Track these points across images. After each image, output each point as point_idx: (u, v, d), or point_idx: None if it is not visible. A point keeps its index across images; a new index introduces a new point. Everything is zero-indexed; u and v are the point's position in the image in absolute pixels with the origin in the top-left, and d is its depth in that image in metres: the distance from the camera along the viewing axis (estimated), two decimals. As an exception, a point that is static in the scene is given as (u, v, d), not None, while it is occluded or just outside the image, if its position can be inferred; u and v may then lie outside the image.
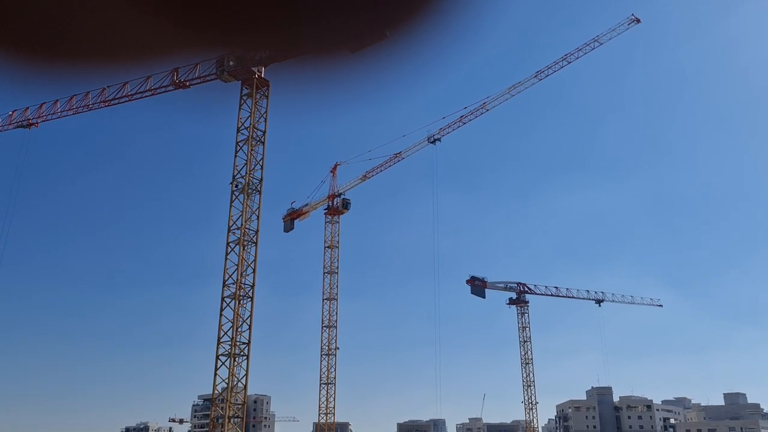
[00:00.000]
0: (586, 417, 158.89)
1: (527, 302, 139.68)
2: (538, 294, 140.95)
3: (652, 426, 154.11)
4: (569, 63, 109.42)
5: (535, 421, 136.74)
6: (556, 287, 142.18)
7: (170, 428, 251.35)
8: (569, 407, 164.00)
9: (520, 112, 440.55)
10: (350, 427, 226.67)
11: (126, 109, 74.48)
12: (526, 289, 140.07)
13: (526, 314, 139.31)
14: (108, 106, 72.44)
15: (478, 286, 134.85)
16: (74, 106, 74.76)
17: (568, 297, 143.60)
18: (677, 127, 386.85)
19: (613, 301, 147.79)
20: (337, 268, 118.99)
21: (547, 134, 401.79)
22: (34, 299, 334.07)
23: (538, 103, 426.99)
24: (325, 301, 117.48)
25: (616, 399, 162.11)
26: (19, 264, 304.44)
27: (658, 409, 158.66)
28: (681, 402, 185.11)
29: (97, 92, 72.18)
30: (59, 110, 76.38)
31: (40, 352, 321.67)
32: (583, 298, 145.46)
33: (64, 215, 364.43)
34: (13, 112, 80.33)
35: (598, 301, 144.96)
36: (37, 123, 79.46)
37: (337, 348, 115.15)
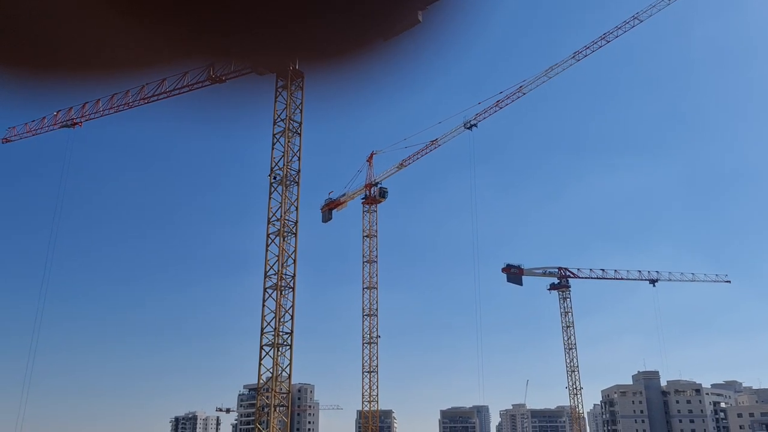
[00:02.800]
0: (633, 402, 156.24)
1: (569, 287, 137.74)
2: (581, 278, 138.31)
3: (701, 410, 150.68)
4: (608, 42, 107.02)
5: (580, 406, 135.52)
6: (603, 269, 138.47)
7: (217, 417, 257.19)
8: (615, 392, 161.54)
9: (555, 95, 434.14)
10: (394, 414, 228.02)
11: (163, 106, 75.84)
12: (569, 273, 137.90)
13: (568, 299, 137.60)
14: (147, 103, 73.76)
15: (514, 274, 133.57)
16: (115, 105, 76.45)
17: (617, 279, 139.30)
18: (713, 104, 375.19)
19: (670, 280, 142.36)
20: (376, 257, 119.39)
21: (582, 116, 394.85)
22: (82, 295, 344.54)
23: (572, 85, 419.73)
24: (365, 290, 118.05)
25: (663, 383, 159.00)
26: (69, 261, 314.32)
27: (707, 393, 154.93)
28: (731, 385, 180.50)
29: (136, 90, 73.67)
30: (101, 109, 78.23)
31: (91, 346, 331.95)
32: (635, 279, 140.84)
33: (108, 212, 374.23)
34: (57, 112, 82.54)
35: (653, 281, 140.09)
36: (81, 122, 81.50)
37: (378, 336, 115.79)
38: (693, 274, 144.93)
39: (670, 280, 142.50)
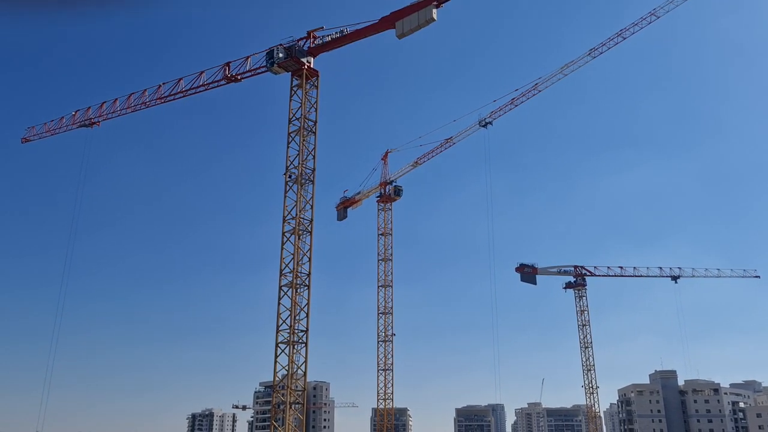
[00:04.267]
0: (650, 401, 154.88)
1: (585, 285, 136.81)
2: (598, 276, 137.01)
3: (720, 410, 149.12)
4: (624, 39, 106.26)
5: (596, 405, 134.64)
6: (621, 267, 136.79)
7: (233, 414, 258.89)
8: (632, 391, 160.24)
9: (570, 92, 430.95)
10: (409, 412, 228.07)
11: (180, 104, 76.51)
12: (586, 271, 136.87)
13: (584, 297, 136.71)
14: (164, 102, 74.36)
15: (528, 273, 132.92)
16: (132, 104, 77.09)
17: (637, 276, 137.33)
18: (730, 100, 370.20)
19: (693, 276, 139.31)
20: (391, 255, 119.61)
21: (597, 113, 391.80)
22: (100, 293, 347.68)
23: (587, 83, 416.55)
24: (380, 288, 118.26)
25: (680, 382, 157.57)
26: (87, 260, 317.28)
27: (726, 393, 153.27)
28: (750, 385, 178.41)
29: (153, 89, 74.31)
30: (118, 108, 78.90)
31: (109, 344, 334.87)
32: (655, 276, 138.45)
33: (125, 211, 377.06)
34: (76, 112, 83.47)
35: (674, 278, 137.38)
36: (99, 122, 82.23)
37: (393, 334, 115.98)
38: (718, 269, 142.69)
39: (693, 276, 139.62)
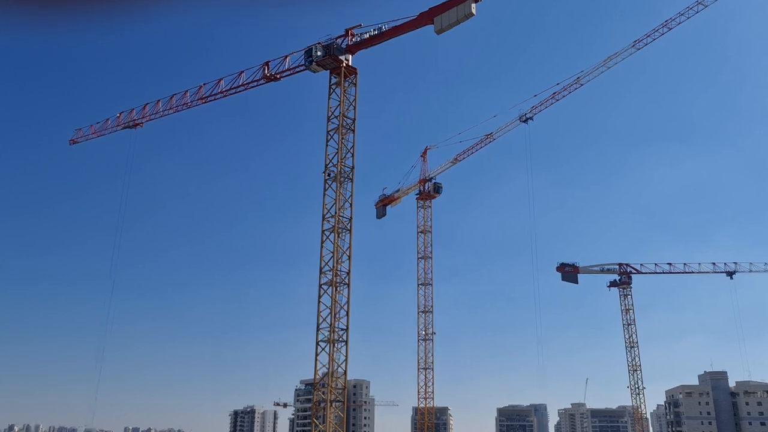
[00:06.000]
0: (699, 403, 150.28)
1: (630, 284, 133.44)
2: (644, 273, 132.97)
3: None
4: (670, 30, 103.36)
5: (642, 406, 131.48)
6: (670, 263, 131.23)
7: (275, 412, 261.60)
8: (680, 392, 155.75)
9: (612, 85, 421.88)
10: (449, 411, 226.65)
11: (219, 104, 77.36)
12: (631, 269, 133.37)
13: (629, 296, 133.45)
14: (205, 102, 75.25)
15: (569, 273, 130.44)
16: (174, 105, 78.21)
17: (687, 273, 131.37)
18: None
19: (750, 271, 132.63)
20: (431, 252, 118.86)
21: (640, 106, 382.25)
22: (146, 292, 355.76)
23: (630, 75, 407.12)
24: (420, 286, 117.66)
25: (731, 384, 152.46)
26: (133, 261, 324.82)
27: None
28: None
29: (194, 90, 75.25)
30: (161, 110, 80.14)
31: (155, 342, 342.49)
32: (708, 272, 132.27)
33: (169, 209, 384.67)
34: (120, 114, 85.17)
35: (730, 273, 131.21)
36: (142, 123, 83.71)
37: (434, 333, 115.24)
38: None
39: (750, 271, 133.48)
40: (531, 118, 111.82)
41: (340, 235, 62.77)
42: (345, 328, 60.85)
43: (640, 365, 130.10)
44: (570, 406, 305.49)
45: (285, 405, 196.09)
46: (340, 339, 60.52)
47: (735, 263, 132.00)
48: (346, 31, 65.94)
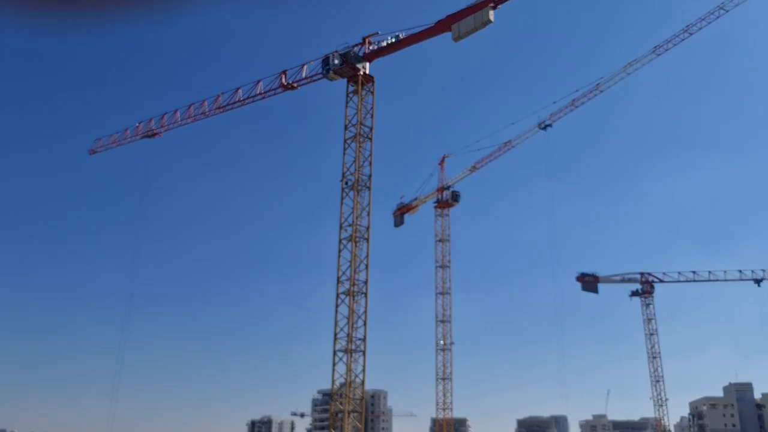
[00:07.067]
0: (724, 415, 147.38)
1: (652, 293, 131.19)
2: (667, 282, 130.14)
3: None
4: (691, 35, 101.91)
5: (665, 419, 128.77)
6: (694, 272, 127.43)
7: (292, 422, 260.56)
8: (704, 404, 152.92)
9: (633, 92, 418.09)
10: (468, 422, 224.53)
11: (235, 113, 77.45)
12: (653, 278, 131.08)
13: (651, 305, 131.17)
14: (222, 111, 75.43)
15: (589, 283, 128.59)
16: (192, 114, 78.52)
17: (712, 281, 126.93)
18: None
19: None
20: (449, 261, 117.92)
21: (661, 113, 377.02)
22: (163, 300, 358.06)
23: (651, 81, 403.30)
24: (438, 295, 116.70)
25: (757, 396, 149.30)
26: (150, 269, 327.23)
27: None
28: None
29: (212, 99, 75.49)
30: (179, 119, 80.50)
31: (171, 350, 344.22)
32: (734, 280, 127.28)
33: (187, 219, 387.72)
34: (139, 123, 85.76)
35: (757, 281, 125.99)
36: (160, 132, 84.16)
37: (452, 343, 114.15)
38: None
39: None
40: (550, 125, 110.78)
41: (358, 244, 62.32)
42: (363, 338, 60.28)
43: (662, 376, 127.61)
44: (591, 418, 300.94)
45: (302, 415, 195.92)
46: (358, 349, 59.93)
47: (763, 270, 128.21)
48: (363, 39, 65.75)
